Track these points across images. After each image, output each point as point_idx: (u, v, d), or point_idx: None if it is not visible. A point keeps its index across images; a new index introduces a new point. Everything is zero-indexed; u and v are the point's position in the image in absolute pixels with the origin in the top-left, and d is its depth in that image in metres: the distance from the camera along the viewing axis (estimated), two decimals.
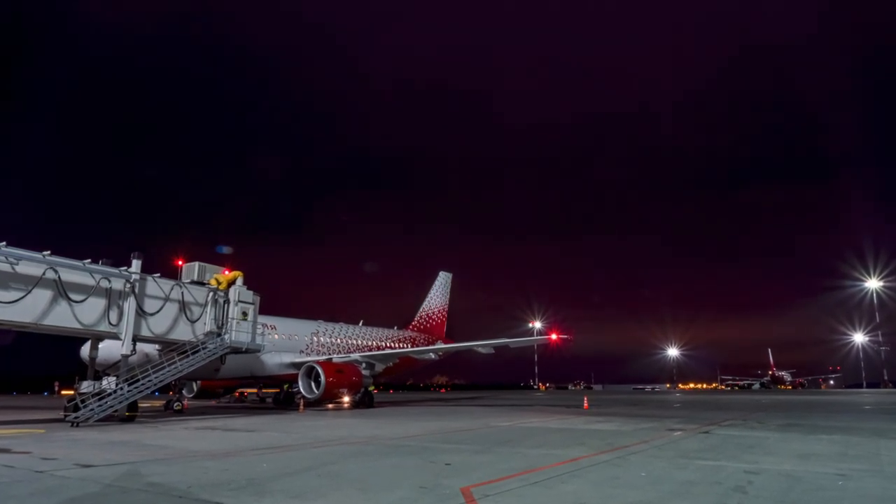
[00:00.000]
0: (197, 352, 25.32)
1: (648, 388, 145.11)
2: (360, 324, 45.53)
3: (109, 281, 23.09)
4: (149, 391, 23.78)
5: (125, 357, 23.54)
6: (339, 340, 40.97)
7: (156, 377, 23.53)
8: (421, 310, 55.39)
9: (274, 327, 35.73)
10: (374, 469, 10.39)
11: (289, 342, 36.58)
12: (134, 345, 23.90)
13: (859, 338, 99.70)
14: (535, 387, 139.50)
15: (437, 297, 57.02)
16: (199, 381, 34.74)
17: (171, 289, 25.59)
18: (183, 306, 25.86)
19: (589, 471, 10.05)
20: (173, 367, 24.17)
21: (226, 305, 27.66)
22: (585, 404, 36.85)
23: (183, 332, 25.79)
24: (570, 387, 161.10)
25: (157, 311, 24.69)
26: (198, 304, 26.73)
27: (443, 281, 58.26)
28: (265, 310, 36.70)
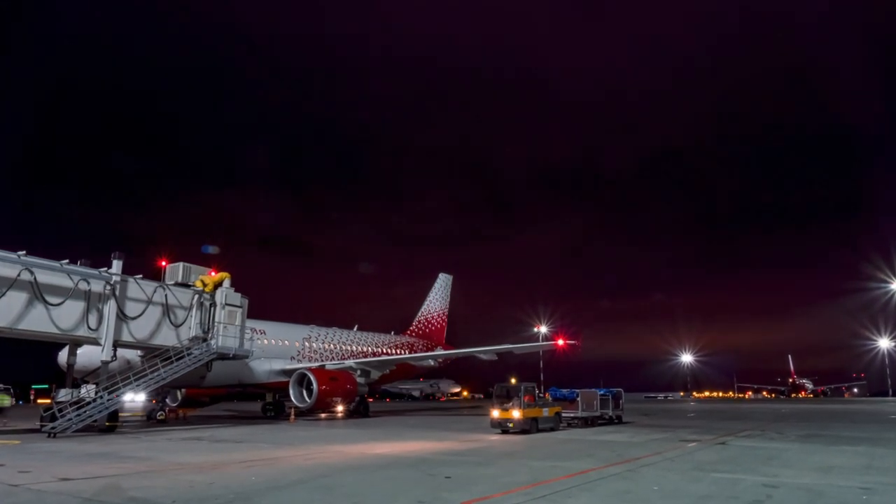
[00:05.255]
0: (181, 358, 25.25)
1: (661, 396, 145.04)
2: (355, 329, 45.50)
3: (88, 283, 23.06)
4: (128, 399, 23.80)
5: (105, 364, 23.53)
6: (332, 346, 40.94)
7: (137, 385, 23.47)
8: (420, 314, 55.33)
9: (263, 332, 35.66)
10: (369, 482, 10.39)
11: (279, 348, 36.55)
12: (115, 350, 23.89)
13: (885, 343, 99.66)
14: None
15: (437, 300, 56.95)
16: (183, 389, 34.71)
17: (154, 291, 25.56)
18: (167, 309, 25.79)
19: (598, 484, 10.06)
20: (156, 374, 24.07)
21: (212, 309, 27.41)
22: None
23: (167, 337, 25.73)
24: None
25: (140, 315, 24.65)
26: (182, 307, 26.63)
27: (443, 283, 58.17)
28: (254, 314, 36.72)
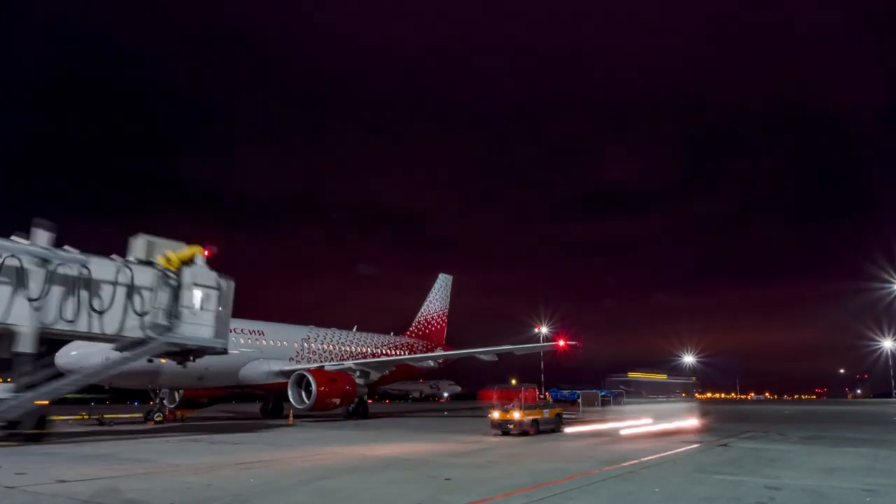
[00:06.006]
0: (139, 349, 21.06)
1: (662, 397, 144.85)
2: (354, 329, 45.48)
3: (19, 259, 18.92)
4: (48, 399, 19.65)
5: (18, 356, 19.10)
6: (331, 347, 40.91)
7: (62, 383, 19.97)
8: (419, 314, 55.29)
9: (262, 333, 35.70)
10: (368, 484, 10.39)
11: (278, 349, 36.52)
12: (40, 341, 19.53)
13: (889, 344, 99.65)
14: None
15: (437, 300, 56.90)
16: (181, 390, 34.70)
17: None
18: (114, 291, 20.79)
19: (599, 486, 10.05)
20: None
21: (181, 291, 22.30)
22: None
23: (115, 325, 20.72)
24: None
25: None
26: (140, 287, 21.38)
27: (443, 283, 58.11)
28: (252, 314, 36.70)
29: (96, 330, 20.40)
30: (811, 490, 9.61)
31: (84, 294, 20.11)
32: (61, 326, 19.64)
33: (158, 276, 21.99)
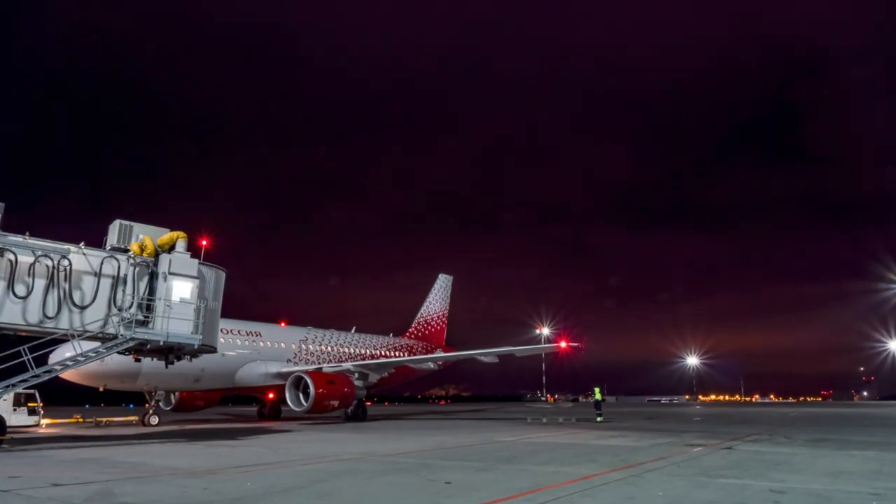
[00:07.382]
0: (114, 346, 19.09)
1: (665, 399, 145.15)
2: (353, 330, 45.52)
3: None
4: None
5: None
6: (329, 348, 40.95)
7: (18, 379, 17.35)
8: (419, 315, 55.37)
9: (259, 334, 35.74)
10: (367, 488, 10.39)
11: (276, 350, 36.57)
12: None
13: (895, 345, 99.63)
14: (543, 399, 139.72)
15: (437, 301, 56.99)
16: (177, 393, 34.69)
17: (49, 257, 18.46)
18: (70, 282, 18.55)
19: (601, 490, 10.05)
20: (41, 369, 18.08)
21: (155, 281, 20.28)
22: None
23: (74, 320, 18.70)
24: (580, 399, 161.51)
25: (30, 290, 17.76)
26: (104, 276, 19.19)
27: (443, 284, 58.21)
28: (249, 315, 36.79)
29: (50, 325, 18.33)
30: (817, 494, 9.61)
31: (69, 289, 18.41)
32: (10, 319, 17.58)
33: (130, 264, 19.93)
